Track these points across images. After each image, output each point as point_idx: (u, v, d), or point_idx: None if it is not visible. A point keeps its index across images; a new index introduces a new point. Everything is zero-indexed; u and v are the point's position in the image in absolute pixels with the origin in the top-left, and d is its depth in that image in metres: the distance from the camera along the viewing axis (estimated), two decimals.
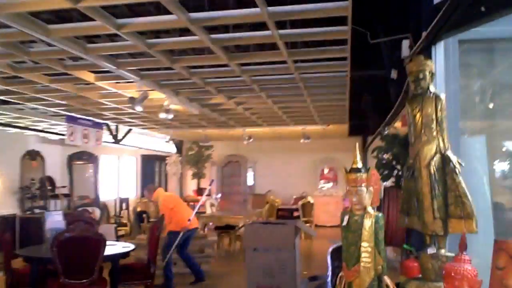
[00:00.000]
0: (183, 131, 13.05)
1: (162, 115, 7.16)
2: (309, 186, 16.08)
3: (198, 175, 15.56)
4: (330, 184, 16.10)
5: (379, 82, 9.74)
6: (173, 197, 7.79)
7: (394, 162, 4.55)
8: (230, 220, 9.29)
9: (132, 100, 6.32)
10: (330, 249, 4.99)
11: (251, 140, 12.35)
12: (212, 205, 10.82)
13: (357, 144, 3.67)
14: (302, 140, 12.04)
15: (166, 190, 15.00)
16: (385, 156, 4.18)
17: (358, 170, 3.44)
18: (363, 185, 3.37)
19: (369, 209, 3.38)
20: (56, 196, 10.54)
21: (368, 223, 3.34)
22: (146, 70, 6.29)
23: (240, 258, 9.40)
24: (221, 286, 7.44)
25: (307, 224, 12.68)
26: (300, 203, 12.59)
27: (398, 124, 8.10)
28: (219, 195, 15.23)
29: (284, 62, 5.73)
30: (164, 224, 6.80)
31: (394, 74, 6.18)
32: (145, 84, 6.49)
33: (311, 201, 12.67)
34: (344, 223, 3.46)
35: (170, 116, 7.20)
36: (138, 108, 6.34)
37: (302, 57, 5.67)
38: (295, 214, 12.82)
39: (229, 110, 9.68)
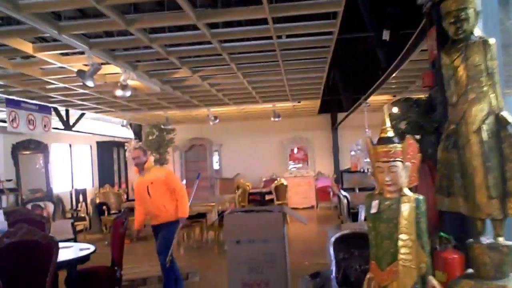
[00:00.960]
0: (142, 113, 11.96)
1: (118, 93, 6.14)
2: (279, 167, 15.35)
3: (160, 161, 14.49)
4: (300, 165, 15.41)
5: (361, 49, 9.02)
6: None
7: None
8: (200, 208, 8.41)
9: (81, 73, 5.28)
10: (333, 239, 4.21)
11: (217, 121, 11.41)
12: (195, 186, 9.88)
13: (385, 107, 2.85)
14: (272, 119, 11.22)
15: (126, 179, 13.90)
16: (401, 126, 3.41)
17: (390, 140, 2.62)
18: (398, 159, 2.56)
19: (406, 190, 2.59)
20: (1, 192, 9.30)
21: (406, 208, 2.54)
22: (96, 37, 5.26)
23: (215, 250, 8.56)
24: (198, 284, 6.57)
25: None
26: (273, 185, 11.82)
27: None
28: (184, 182, 14.26)
29: (264, 20, 4.84)
30: (151, 212, 5.45)
31: (386, 35, 5.42)
32: (96, 55, 5.46)
33: (285, 183, 11.92)
34: (373, 210, 2.65)
35: (128, 93, 6.19)
36: (90, 83, 5.30)
37: (284, 13, 4.78)
38: (268, 197, 12.05)
39: (193, 87, 8.71)
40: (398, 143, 2.55)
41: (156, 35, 5.27)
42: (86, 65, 5.67)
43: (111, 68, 6.51)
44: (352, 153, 8.22)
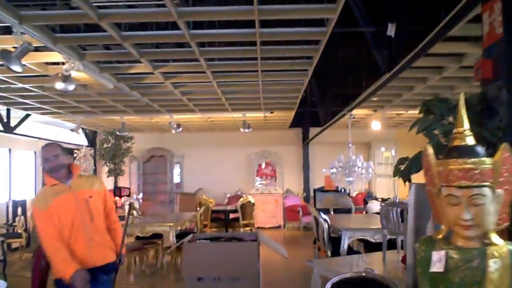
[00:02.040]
0: (95, 118, 10.67)
1: (59, 85, 4.95)
2: (245, 183, 14.26)
3: (116, 172, 13.18)
4: (268, 181, 14.37)
5: (344, 53, 8.14)
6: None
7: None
8: (156, 228, 7.22)
9: (5, 54, 4.07)
10: (329, 285, 3.16)
11: (179, 129, 10.27)
12: (133, 208, 8.64)
13: (461, 99, 1.83)
14: (242, 130, 10.17)
15: None
16: (435, 132, 2.45)
17: (473, 151, 1.58)
18: (486, 183, 1.52)
19: (495, 237, 1.56)
20: None
21: (497, 267, 1.50)
22: (27, 6, 4.10)
23: (171, 278, 7.37)
24: None
25: (247, 228, 10.86)
26: (239, 203, 10.72)
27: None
28: (141, 195, 12.99)
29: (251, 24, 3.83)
30: (94, 244, 3.28)
31: (391, 30, 4.49)
32: (29, 34, 4.28)
33: (252, 201, 10.84)
34: (436, 267, 1.60)
35: (71, 87, 5.00)
36: (16, 67, 4.11)
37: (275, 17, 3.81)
38: (232, 216, 10.94)
39: (153, 88, 7.57)
40: (485, 156, 1.53)
41: (107, 11, 4.14)
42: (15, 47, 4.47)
43: (55, 56, 5.33)
44: (333, 170, 7.27)
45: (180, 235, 7.67)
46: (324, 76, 8.94)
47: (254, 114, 10.42)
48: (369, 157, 14.14)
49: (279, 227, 13.68)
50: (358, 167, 6.84)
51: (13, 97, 8.00)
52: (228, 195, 13.88)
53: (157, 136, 14.29)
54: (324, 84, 9.56)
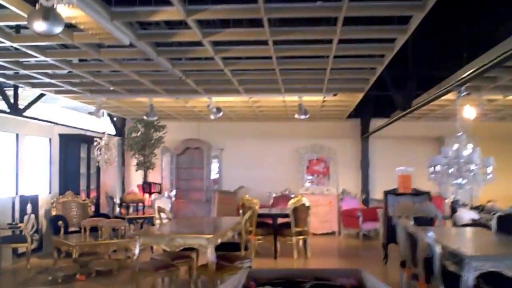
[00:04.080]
0: (119, 99, 8.94)
1: (39, 26, 3.12)
2: (293, 181, 12.28)
3: (145, 165, 11.47)
4: (320, 180, 12.34)
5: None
6: None
7: None
8: (190, 241, 5.37)
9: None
10: None
11: (220, 114, 8.38)
12: (160, 211, 6.82)
13: None
14: (297, 116, 8.19)
15: (97, 185, 10.80)
16: None
17: None
18: None
19: None
20: None
21: None
22: None
23: None
24: None
25: (301, 237, 8.89)
26: (290, 205, 8.76)
27: None
28: (174, 193, 11.21)
29: None
30: None
31: None
32: None
33: (306, 203, 8.86)
34: None
35: (57, 28, 3.17)
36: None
37: None
38: (281, 220, 9.00)
39: (188, 52, 5.70)
40: None
41: None
42: None
43: None
44: (432, 169, 5.20)
45: (221, 247, 5.81)
46: (405, 54, 6.80)
47: (311, 98, 8.41)
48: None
49: (332, 233, 11.66)
50: (475, 165, 4.76)
51: (19, 70, 6.33)
52: (274, 195, 11.94)
53: (193, 125, 12.50)
54: (404, 63, 7.39)
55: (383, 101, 10.51)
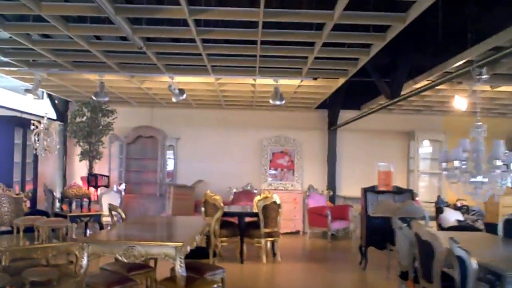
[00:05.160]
0: (63, 76, 7.60)
1: None
2: (255, 176, 11.33)
3: (91, 155, 10.11)
4: (284, 174, 11.45)
5: None
6: None
7: None
8: (152, 249, 4.26)
9: None
10: None
11: (183, 97, 7.25)
12: (112, 209, 5.63)
13: None
14: (272, 101, 7.20)
15: (34, 176, 9.33)
16: None
17: None
18: None
19: None
20: None
21: None
22: None
23: None
24: None
25: (271, 239, 7.94)
26: (259, 203, 7.78)
27: None
28: (123, 186, 9.96)
29: None
30: None
31: None
32: None
33: (277, 201, 7.92)
34: None
35: None
36: None
37: None
38: (248, 219, 8.02)
39: (155, 12, 4.57)
40: None
41: None
42: None
43: None
44: (444, 165, 4.39)
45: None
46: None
47: (287, 82, 7.46)
48: (409, 150, 11.33)
49: (297, 232, 10.82)
50: (501, 161, 3.98)
51: None
52: (234, 191, 10.95)
53: (147, 111, 11.25)
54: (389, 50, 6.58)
55: (353, 92, 9.77)
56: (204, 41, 5.42)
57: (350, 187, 11.26)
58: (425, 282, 4.21)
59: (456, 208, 7.60)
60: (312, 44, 5.50)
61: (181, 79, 7.45)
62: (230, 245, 7.93)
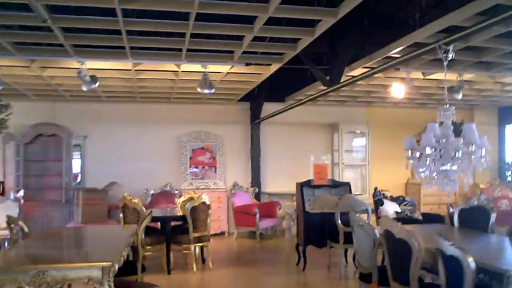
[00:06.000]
0: None
1: None
2: (175, 175, 10.41)
3: None
4: (205, 172, 10.66)
5: None
6: None
7: None
8: (70, 273, 3.32)
9: None
10: None
11: (96, 85, 6.20)
12: (12, 223, 4.49)
13: None
14: (200, 90, 6.38)
15: None
16: None
17: None
18: None
19: None
20: None
21: None
22: None
23: None
24: None
25: (201, 244, 7.13)
26: (187, 205, 6.93)
27: None
28: (22, 193, 8.56)
29: None
30: None
31: None
32: None
33: (207, 201, 7.12)
34: None
35: None
36: None
37: None
38: (172, 224, 7.15)
39: None
40: None
41: None
42: None
43: None
44: (410, 153, 3.94)
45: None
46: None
47: (215, 68, 6.70)
48: (333, 142, 11.11)
49: (222, 234, 10.11)
50: (475, 146, 3.59)
51: None
52: (152, 192, 9.97)
53: (47, 106, 9.84)
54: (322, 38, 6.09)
55: (277, 84, 9.27)
56: (126, 14, 4.50)
57: (275, 183, 10.79)
58: (399, 285, 3.72)
59: (392, 199, 7.35)
60: (251, 21, 4.82)
61: (92, 65, 6.37)
62: (153, 253, 7.01)
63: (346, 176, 10.79)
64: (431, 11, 5.00)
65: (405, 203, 7.77)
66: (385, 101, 10.28)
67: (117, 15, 4.38)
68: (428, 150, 3.69)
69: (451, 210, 6.49)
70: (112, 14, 4.45)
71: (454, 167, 3.79)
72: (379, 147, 11.04)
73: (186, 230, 6.93)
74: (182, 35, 5.17)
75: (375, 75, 6.26)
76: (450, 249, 3.01)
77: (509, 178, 11.40)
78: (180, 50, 5.73)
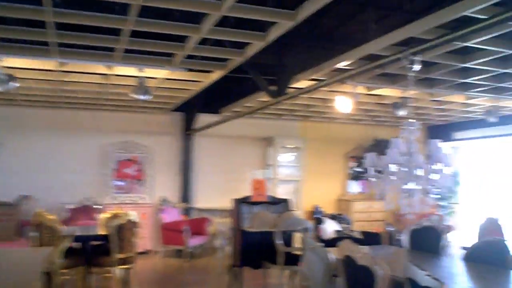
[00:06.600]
0: None
1: None
2: (97, 188, 9.56)
3: None
4: (132, 186, 9.92)
5: None
6: None
7: None
8: None
9: None
10: None
11: (14, 86, 5.39)
12: None
13: None
14: (136, 96, 5.78)
15: None
16: None
17: None
18: None
19: None
20: None
21: None
22: None
23: None
24: None
25: (125, 266, 6.42)
26: (111, 223, 6.22)
27: None
28: None
29: None
30: None
31: None
32: None
33: (134, 219, 6.46)
34: None
35: None
36: None
37: None
38: (94, 243, 6.39)
39: None
40: None
41: None
42: None
43: None
44: (372, 171, 3.66)
45: None
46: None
47: (151, 74, 6.13)
48: (268, 157, 10.81)
49: (146, 253, 9.37)
50: (444, 165, 3.37)
51: None
52: (72, 207, 9.05)
53: None
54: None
55: (212, 95, 8.84)
56: (55, 3, 3.87)
57: (206, 198, 10.27)
58: None
59: (331, 217, 7.14)
60: (197, 20, 4.37)
61: (9, 63, 5.56)
62: (71, 277, 6.21)
63: (279, 192, 10.52)
64: (385, 22, 4.83)
65: (341, 220, 7.61)
66: (322, 116, 10.17)
67: (42, 3, 3.75)
68: (394, 168, 3.44)
69: (390, 229, 6.39)
70: (37, 2, 3.80)
71: (418, 186, 3.56)
72: (313, 163, 10.91)
73: (109, 251, 6.22)
74: (118, 32, 4.60)
75: (320, 89, 6.04)
76: (426, 280, 2.72)
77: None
78: (113, 50, 5.13)
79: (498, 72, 5.96)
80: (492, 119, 8.06)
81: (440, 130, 11.23)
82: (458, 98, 7.77)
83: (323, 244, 3.90)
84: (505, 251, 3.66)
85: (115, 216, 6.60)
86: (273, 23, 4.35)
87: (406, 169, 3.49)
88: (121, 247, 6.27)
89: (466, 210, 10.57)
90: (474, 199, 10.77)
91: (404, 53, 3.61)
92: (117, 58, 5.33)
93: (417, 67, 3.71)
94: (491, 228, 5.33)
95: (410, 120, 3.67)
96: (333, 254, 3.78)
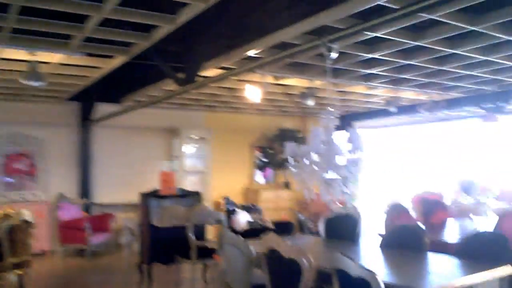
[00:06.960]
0: None
1: None
2: None
3: None
4: (23, 183, 9.02)
5: None
6: None
7: None
8: None
9: None
10: None
11: None
12: None
13: None
14: (24, 81, 5.14)
15: None
16: None
17: None
18: None
19: None
20: None
21: None
22: None
23: None
24: None
25: (20, 271, 5.78)
26: (1, 224, 5.54)
27: None
28: None
29: None
30: None
31: None
32: None
33: (29, 219, 5.82)
34: None
35: None
36: None
37: None
38: None
39: None
40: None
41: None
42: None
43: None
44: (292, 161, 3.56)
45: None
46: None
47: (44, 58, 5.53)
48: (172, 149, 10.46)
49: (42, 254, 8.62)
50: (359, 151, 3.37)
51: None
52: None
53: None
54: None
55: (111, 82, 8.27)
56: None
57: (109, 193, 9.66)
58: None
59: (243, 208, 7.05)
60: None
61: None
62: None
63: (186, 183, 10.22)
64: (297, 10, 4.76)
65: (253, 211, 7.57)
66: (228, 106, 10.01)
67: None
68: (316, 157, 3.37)
69: (301, 217, 6.44)
70: None
71: (337, 175, 3.53)
72: (219, 153, 10.75)
73: (1, 255, 5.56)
74: (4, 8, 4.03)
75: (228, 77, 5.87)
76: (357, 270, 2.67)
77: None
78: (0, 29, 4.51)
79: (400, 64, 6.21)
80: (391, 109, 8.45)
81: (343, 120, 11.62)
82: (360, 88, 8.03)
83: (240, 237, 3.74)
84: (421, 235, 3.79)
85: (5, 216, 5.94)
86: (184, 5, 4.06)
87: (326, 158, 3.44)
88: (14, 250, 5.64)
89: (368, 196, 11.08)
90: (376, 185, 11.34)
91: (322, 40, 3.54)
92: (3, 39, 4.70)
93: (334, 55, 3.67)
94: (398, 212, 5.56)
95: (329, 108, 3.63)
96: (252, 247, 3.65)
